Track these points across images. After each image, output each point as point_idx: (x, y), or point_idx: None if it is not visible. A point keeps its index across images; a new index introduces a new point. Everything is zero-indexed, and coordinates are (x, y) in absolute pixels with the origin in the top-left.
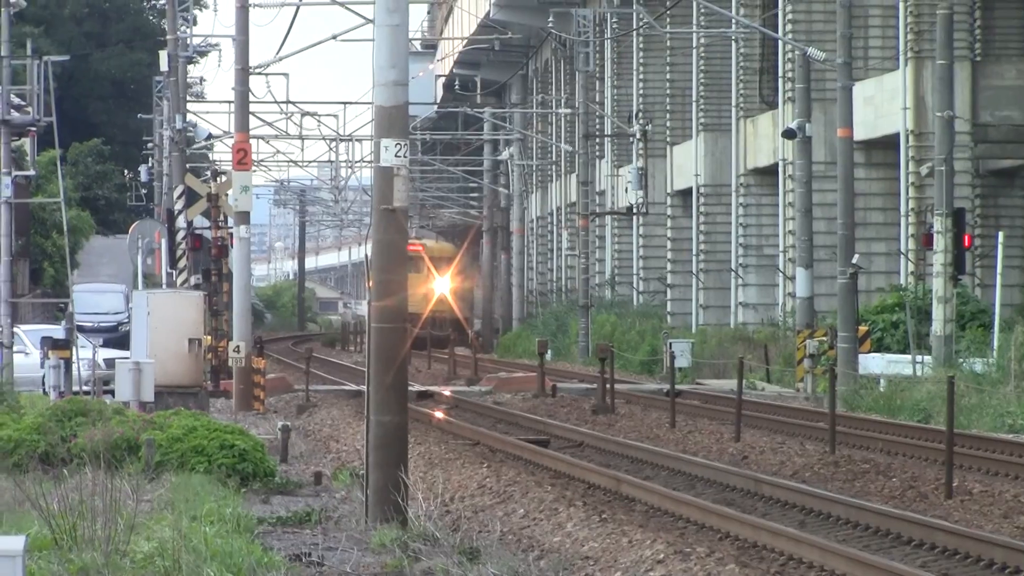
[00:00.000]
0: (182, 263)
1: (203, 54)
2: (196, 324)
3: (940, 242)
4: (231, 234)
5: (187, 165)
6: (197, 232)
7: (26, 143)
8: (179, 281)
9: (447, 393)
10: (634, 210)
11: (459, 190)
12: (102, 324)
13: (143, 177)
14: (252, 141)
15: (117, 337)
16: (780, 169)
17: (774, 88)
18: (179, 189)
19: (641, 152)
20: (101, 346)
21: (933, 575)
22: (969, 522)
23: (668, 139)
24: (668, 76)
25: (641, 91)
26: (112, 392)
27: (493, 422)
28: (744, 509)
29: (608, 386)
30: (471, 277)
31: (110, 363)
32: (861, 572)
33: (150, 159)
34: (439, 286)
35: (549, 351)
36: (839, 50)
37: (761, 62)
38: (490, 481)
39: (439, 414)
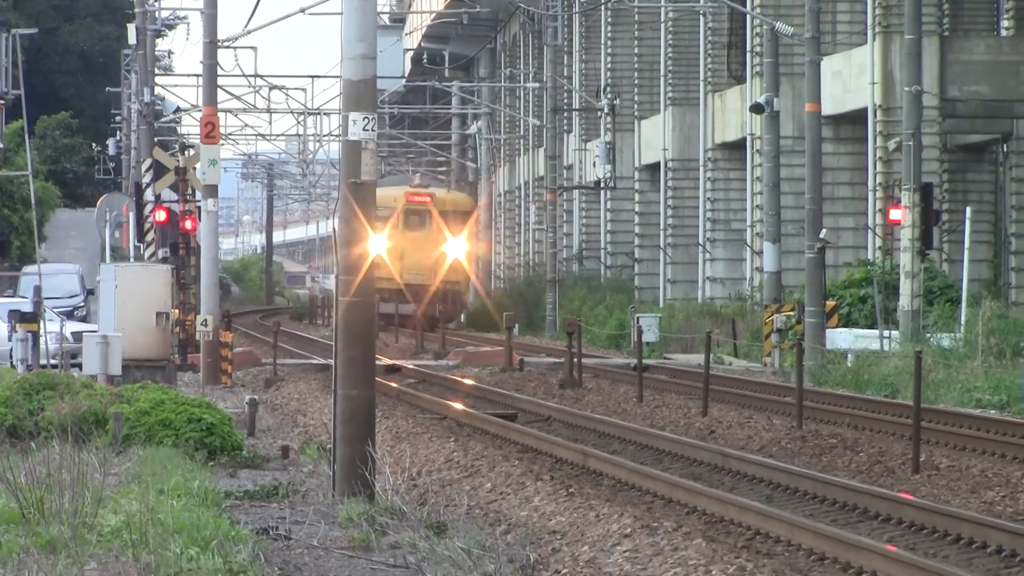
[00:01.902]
0: (150, 236)
1: (171, 27)
2: (164, 298)
3: (908, 217)
4: (199, 207)
5: (155, 138)
6: (165, 205)
7: None
8: (147, 254)
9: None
10: (602, 184)
11: (427, 164)
12: (55, 310)
13: (111, 150)
14: (220, 115)
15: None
16: (748, 144)
17: (742, 63)
18: (147, 162)
19: (609, 126)
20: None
21: (901, 550)
22: (936, 497)
23: (636, 113)
24: (636, 50)
25: (609, 65)
26: (80, 365)
27: (461, 396)
28: (711, 484)
29: (576, 360)
30: (485, 239)
31: (78, 336)
32: (828, 547)
33: (118, 132)
34: (453, 249)
35: (516, 326)
36: (807, 25)
37: (729, 36)
38: (457, 455)
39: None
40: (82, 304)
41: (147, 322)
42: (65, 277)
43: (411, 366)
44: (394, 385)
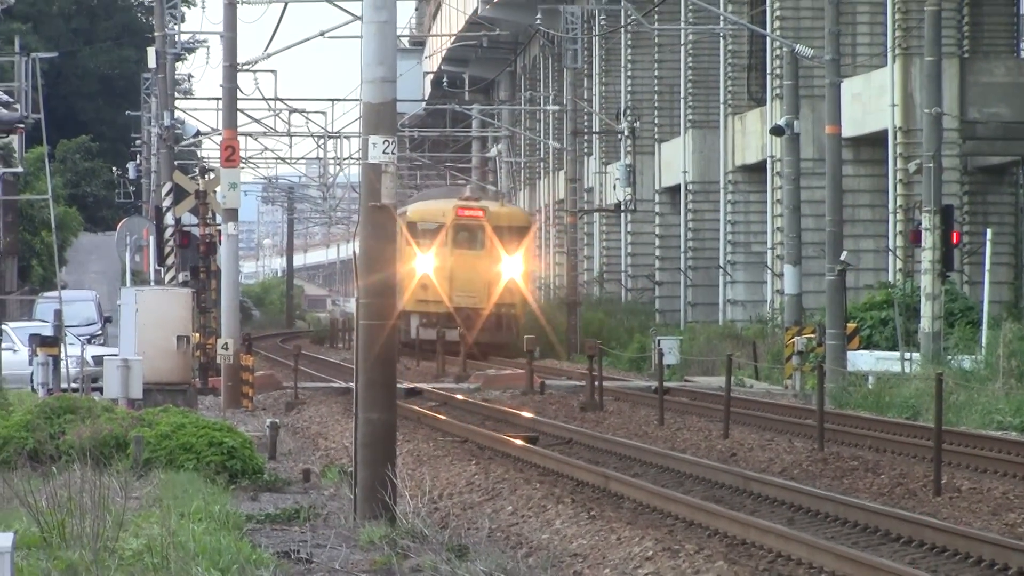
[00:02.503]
0: (170, 260)
1: (191, 51)
2: (184, 321)
3: (928, 239)
4: (219, 231)
5: (175, 162)
6: (185, 229)
7: (14, 140)
8: (167, 278)
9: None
10: (622, 207)
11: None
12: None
13: (131, 174)
14: (240, 138)
15: None
16: (768, 166)
17: (762, 85)
18: (167, 186)
19: (629, 149)
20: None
21: (922, 572)
22: (957, 519)
23: (656, 136)
24: (656, 73)
25: (629, 88)
26: (100, 389)
27: (482, 419)
28: (733, 506)
29: (596, 383)
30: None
31: (98, 360)
32: (850, 569)
33: (138, 156)
34: (508, 268)
35: (537, 348)
36: (827, 47)
37: (749, 59)
38: (479, 478)
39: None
40: (99, 332)
41: (168, 346)
42: (82, 304)
43: (432, 389)
44: (416, 408)
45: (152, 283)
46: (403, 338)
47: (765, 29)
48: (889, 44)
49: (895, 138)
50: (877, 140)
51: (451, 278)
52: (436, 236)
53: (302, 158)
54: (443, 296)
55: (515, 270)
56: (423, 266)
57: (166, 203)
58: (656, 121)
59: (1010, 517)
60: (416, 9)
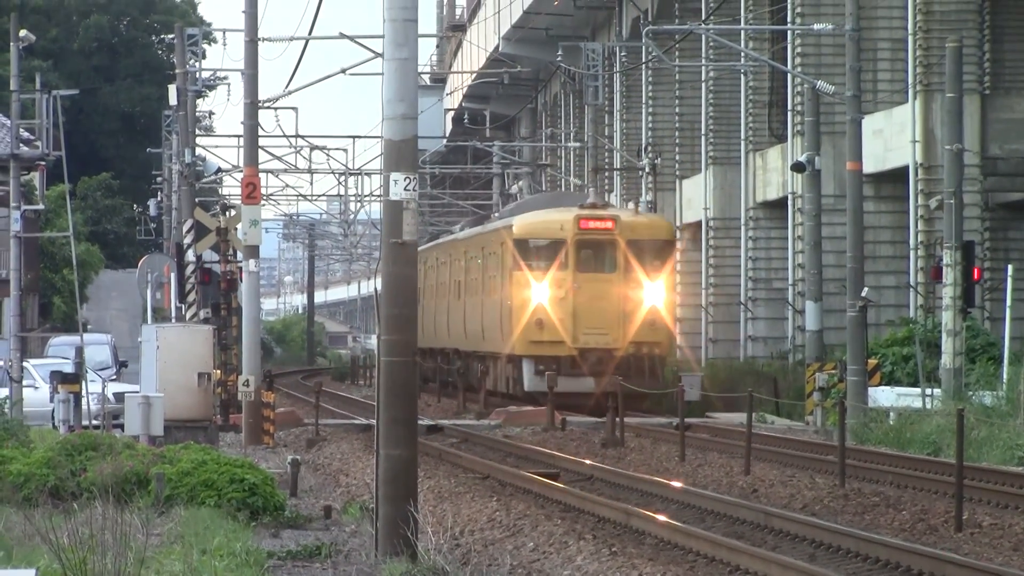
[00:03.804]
0: (191, 297)
1: (212, 88)
2: (205, 358)
3: (949, 275)
4: (240, 268)
5: (196, 199)
6: (206, 266)
7: (35, 177)
8: (188, 315)
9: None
10: None
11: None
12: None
13: (152, 211)
14: (261, 175)
15: None
16: (789, 202)
17: (783, 121)
18: (188, 223)
19: (650, 185)
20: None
21: None
22: (979, 555)
23: (677, 172)
24: (677, 109)
25: (650, 124)
26: (122, 426)
27: (503, 456)
28: (754, 542)
29: (617, 419)
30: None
31: (119, 397)
32: None
33: (159, 193)
34: (649, 296)
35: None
36: (848, 83)
37: (770, 95)
38: (500, 515)
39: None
40: (114, 377)
41: (189, 382)
42: (96, 348)
43: (453, 425)
44: (437, 445)
45: (173, 320)
46: (507, 388)
47: (786, 66)
48: (910, 80)
49: (916, 174)
50: (898, 176)
51: (574, 311)
52: (553, 256)
53: (323, 195)
54: (564, 335)
55: (657, 297)
56: (537, 296)
57: (187, 240)
58: (677, 158)
59: None
60: (437, 46)
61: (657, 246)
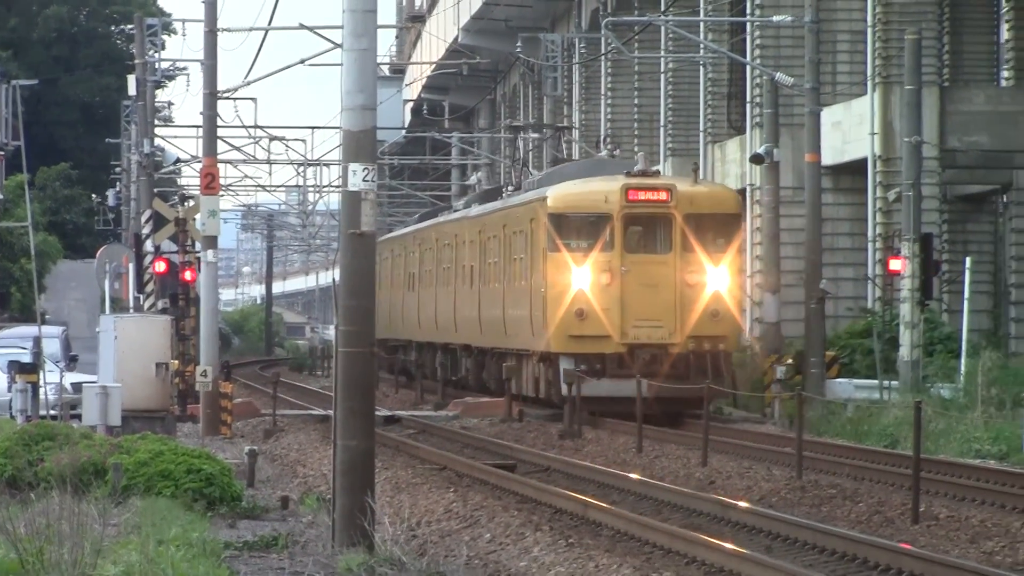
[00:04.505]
0: (149, 287)
1: (171, 78)
2: (163, 348)
3: (908, 267)
4: (199, 258)
5: (155, 189)
6: (165, 256)
7: None
8: (146, 305)
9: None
10: None
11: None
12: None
13: (111, 201)
14: (220, 166)
15: None
16: (748, 194)
17: (742, 113)
18: (147, 213)
19: None
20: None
21: None
22: (936, 547)
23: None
24: (636, 101)
25: (609, 116)
26: (79, 416)
27: (460, 447)
28: (711, 534)
29: (575, 411)
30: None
31: (77, 387)
32: None
33: (118, 183)
34: (712, 281)
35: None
36: (807, 75)
37: (729, 87)
38: (457, 506)
39: None
40: (63, 372)
41: (147, 373)
42: (47, 341)
43: (411, 416)
44: (394, 436)
45: (131, 310)
46: (536, 391)
47: (745, 58)
48: (869, 73)
49: (875, 166)
50: (857, 168)
51: (622, 299)
52: (596, 234)
53: (282, 186)
54: (610, 327)
55: (721, 283)
56: (577, 282)
57: (146, 230)
58: (636, 148)
59: (988, 545)
60: (396, 37)
61: (720, 221)
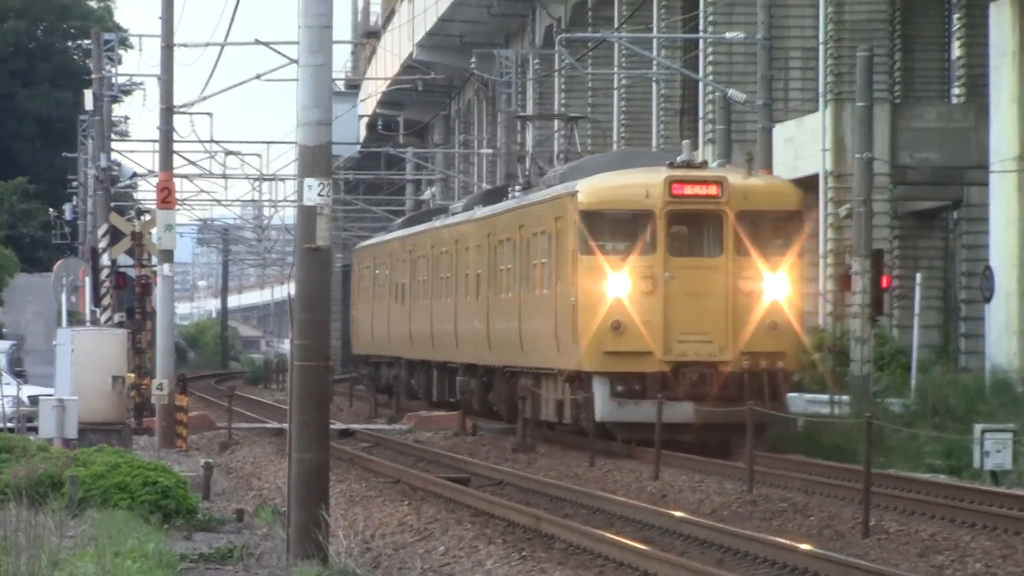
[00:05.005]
0: (106, 301)
1: (128, 93)
2: (120, 362)
3: (859, 283)
4: (155, 272)
5: (111, 204)
6: (121, 270)
7: None
8: (103, 319)
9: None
10: None
11: (381, 229)
12: None
13: (68, 215)
14: (176, 180)
15: None
16: None
17: (695, 129)
18: (103, 227)
19: None
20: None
21: None
22: (886, 560)
23: None
24: (590, 116)
25: (561, 132)
26: (36, 429)
27: (414, 460)
28: (663, 547)
29: (528, 425)
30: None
31: (34, 400)
32: None
33: (75, 197)
34: (770, 289)
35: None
36: (759, 92)
37: (682, 103)
38: (411, 519)
39: None
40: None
41: (103, 386)
42: None
43: (365, 430)
44: (349, 449)
45: (88, 323)
46: (559, 416)
47: (698, 74)
48: (821, 89)
49: (826, 182)
50: (809, 184)
51: (666, 310)
52: (636, 235)
53: (237, 200)
54: (651, 343)
55: (780, 291)
56: (614, 290)
57: (102, 244)
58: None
59: (938, 559)
60: (352, 53)
61: (779, 219)
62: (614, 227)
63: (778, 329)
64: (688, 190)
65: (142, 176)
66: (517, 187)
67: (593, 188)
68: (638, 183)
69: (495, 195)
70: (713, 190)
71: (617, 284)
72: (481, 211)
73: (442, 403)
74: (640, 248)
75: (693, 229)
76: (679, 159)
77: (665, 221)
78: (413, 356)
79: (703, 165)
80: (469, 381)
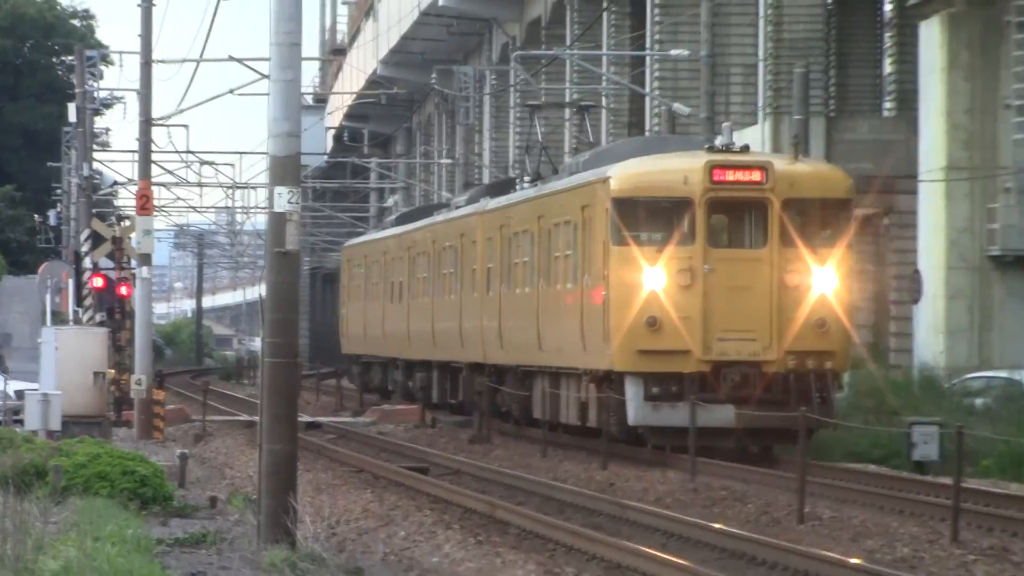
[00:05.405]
0: (88, 301)
1: (109, 106)
2: (101, 358)
3: None
4: (134, 275)
5: (93, 210)
6: (102, 273)
7: None
8: (85, 318)
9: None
10: None
11: (346, 235)
12: None
13: (52, 221)
14: (154, 188)
15: None
16: None
17: None
18: (86, 233)
19: None
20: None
21: None
22: (819, 545)
23: None
24: (543, 129)
25: (517, 143)
26: (22, 421)
27: (377, 451)
28: (610, 533)
29: (485, 418)
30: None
31: (20, 394)
32: None
33: (59, 204)
34: (818, 284)
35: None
36: (702, 106)
37: (629, 117)
38: (374, 506)
39: None
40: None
41: (85, 381)
42: None
43: (331, 422)
44: (316, 440)
45: (71, 323)
46: (582, 419)
47: (645, 89)
48: (761, 103)
49: None
50: None
51: (705, 306)
52: (673, 224)
53: (212, 207)
54: (690, 340)
55: (829, 285)
56: (650, 283)
57: (84, 248)
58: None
59: (868, 544)
60: (320, 69)
61: (829, 208)
62: (650, 216)
63: (827, 327)
64: (730, 176)
65: (122, 184)
66: (526, 179)
67: (627, 174)
68: (676, 168)
69: (502, 187)
70: (757, 176)
71: (653, 277)
72: (492, 203)
73: (443, 405)
74: (678, 238)
75: (735, 218)
76: (718, 142)
77: (705, 209)
78: (412, 356)
79: (746, 149)
80: (477, 381)
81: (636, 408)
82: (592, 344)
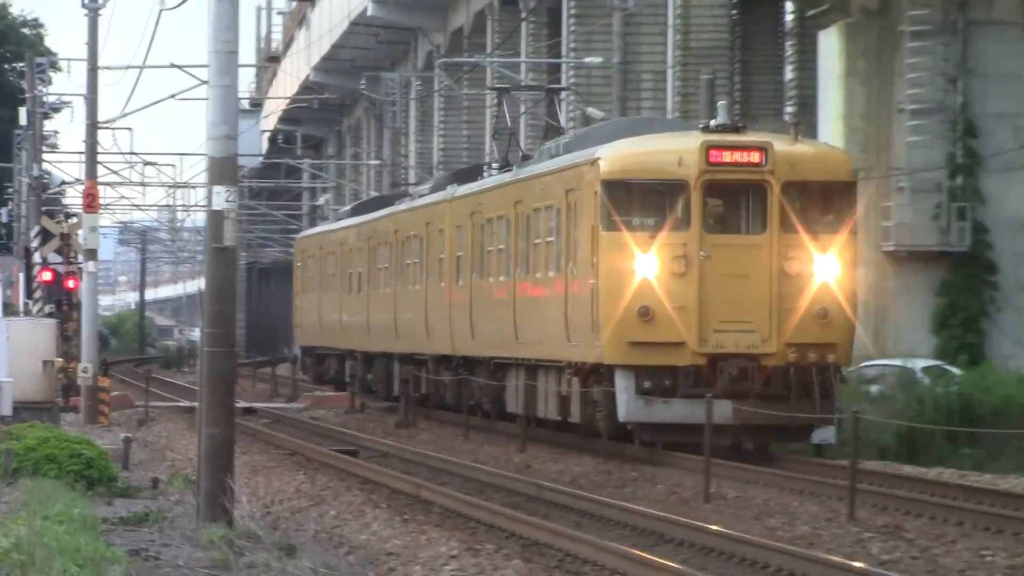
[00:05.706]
0: (37, 294)
1: (57, 110)
2: (49, 348)
3: None
4: (81, 269)
5: (43, 208)
6: (51, 267)
7: None
8: (35, 310)
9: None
10: None
11: (281, 231)
12: None
13: (3, 218)
14: (100, 187)
15: None
16: None
17: None
18: (35, 229)
19: None
20: None
21: (693, 570)
22: (725, 523)
23: None
24: (465, 132)
25: (441, 145)
26: None
27: (309, 435)
28: (528, 511)
29: (410, 404)
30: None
31: None
32: (630, 567)
33: (10, 203)
34: (821, 271)
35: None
36: (615, 110)
37: (547, 120)
38: (306, 486)
39: None
40: None
41: (35, 369)
42: None
43: (266, 408)
44: (251, 424)
45: (22, 314)
46: (565, 415)
47: (560, 94)
48: (670, 108)
49: None
50: None
51: (701, 295)
52: (667, 208)
53: (154, 205)
54: (684, 331)
55: (831, 273)
56: (642, 270)
57: (34, 244)
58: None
59: (770, 522)
60: (256, 75)
61: (831, 191)
62: (642, 199)
63: (829, 317)
64: (727, 157)
65: (70, 184)
66: (494, 165)
67: (618, 155)
68: (670, 149)
69: (468, 174)
70: (756, 157)
71: (645, 264)
72: (461, 189)
73: (407, 399)
74: (672, 223)
75: (732, 202)
76: (714, 123)
77: (701, 192)
78: (371, 348)
79: (743, 129)
80: (446, 375)
81: (627, 403)
82: (578, 336)
